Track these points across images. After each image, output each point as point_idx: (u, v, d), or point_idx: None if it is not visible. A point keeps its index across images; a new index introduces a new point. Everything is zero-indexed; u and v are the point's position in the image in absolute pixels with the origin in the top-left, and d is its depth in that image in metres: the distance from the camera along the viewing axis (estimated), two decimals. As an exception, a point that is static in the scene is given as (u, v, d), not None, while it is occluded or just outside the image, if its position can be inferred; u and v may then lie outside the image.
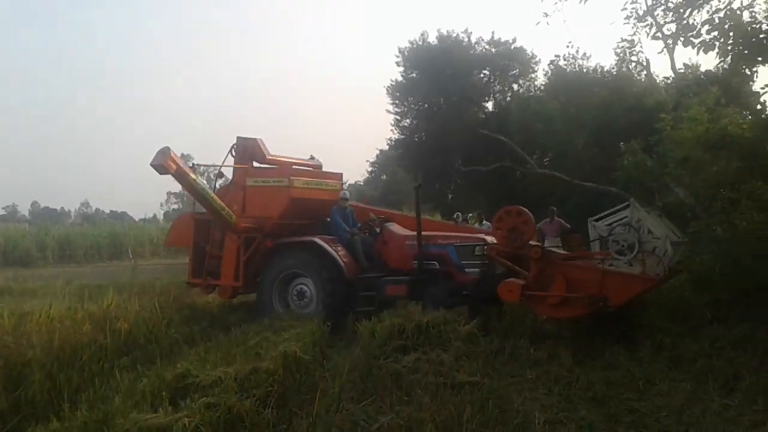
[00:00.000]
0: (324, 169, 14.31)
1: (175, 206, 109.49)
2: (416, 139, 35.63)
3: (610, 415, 6.16)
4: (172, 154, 10.36)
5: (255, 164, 13.10)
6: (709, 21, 10.46)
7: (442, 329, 8.21)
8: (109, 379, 6.56)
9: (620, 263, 9.55)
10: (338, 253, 11.44)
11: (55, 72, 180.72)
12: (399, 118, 37.31)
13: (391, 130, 38.13)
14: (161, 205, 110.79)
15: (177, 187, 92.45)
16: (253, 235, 12.10)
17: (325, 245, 11.44)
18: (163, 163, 10.19)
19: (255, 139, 13.05)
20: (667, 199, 18.78)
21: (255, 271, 12.20)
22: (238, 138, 12.96)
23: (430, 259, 10.88)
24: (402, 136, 37.06)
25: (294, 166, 13.51)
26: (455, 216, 21.16)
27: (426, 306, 9.30)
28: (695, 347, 8.32)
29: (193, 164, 11.81)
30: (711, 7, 10.73)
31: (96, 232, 49.73)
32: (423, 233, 11.01)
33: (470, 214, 24.99)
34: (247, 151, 12.88)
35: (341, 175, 14.07)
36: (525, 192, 29.05)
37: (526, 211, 9.88)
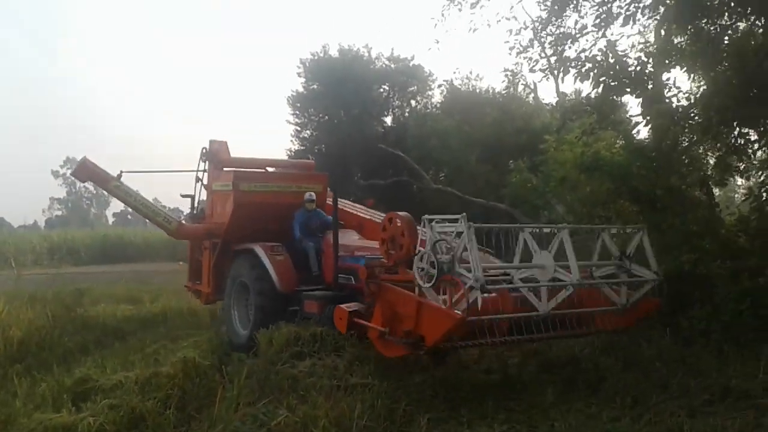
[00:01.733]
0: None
1: (59, 212, 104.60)
2: (316, 151, 35.93)
3: (487, 414, 6.79)
4: (88, 163, 11.17)
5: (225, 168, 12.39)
6: (583, 53, 11.60)
7: (337, 336, 8.46)
8: (6, 385, 6.57)
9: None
10: (275, 263, 10.37)
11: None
12: (299, 128, 37.51)
13: (291, 140, 38.30)
14: (43, 211, 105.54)
15: (60, 193, 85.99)
16: (215, 242, 11.70)
17: (262, 253, 10.46)
18: (82, 169, 11.19)
19: (221, 141, 12.80)
20: (550, 215, 20.20)
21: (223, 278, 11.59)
22: (210, 141, 12.71)
23: (345, 272, 9.36)
24: (302, 147, 37.24)
25: (261, 169, 12.91)
26: None
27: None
28: (567, 353, 9.18)
29: (120, 172, 12.06)
30: (580, 44, 11.90)
31: (-29, 239, 46.87)
32: (352, 243, 10.12)
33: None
34: (214, 154, 12.58)
35: (325, 176, 12.82)
36: (422, 206, 30.10)
37: (404, 216, 7.90)
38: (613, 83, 11.21)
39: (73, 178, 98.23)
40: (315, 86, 35.88)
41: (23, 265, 40.10)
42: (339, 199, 11.20)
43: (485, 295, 6.76)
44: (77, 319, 11.17)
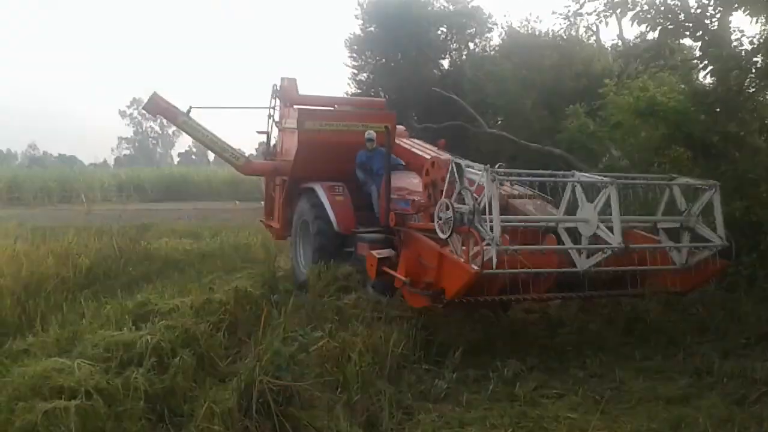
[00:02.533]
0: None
1: (127, 152, 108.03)
2: (373, 93, 35.92)
3: (521, 348, 7.04)
4: (158, 98, 11.84)
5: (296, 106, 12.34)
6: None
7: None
8: (75, 307, 7.18)
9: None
10: (334, 203, 10.05)
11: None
12: (356, 72, 37.47)
13: (348, 84, 38.30)
14: (112, 150, 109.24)
15: (128, 132, 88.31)
16: (284, 179, 11.64)
17: (322, 193, 10.17)
18: (152, 105, 11.83)
19: (291, 79, 12.68)
20: (607, 161, 19.90)
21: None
22: (281, 78, 12.63)
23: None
24: (359, 91, 37.26)
25: (329, 107, 12.55)
26: None
27: None
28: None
29: (190, 107, 12.18)
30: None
31: (45, 175, 49.24)
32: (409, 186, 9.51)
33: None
34: (284, 91, 12.51)
35: (393, 115, 11.67)
36: (477, 150, 29.97)
37: (444, 160, 7.64)
38: (671, 26, 10.91)
39: (140, 117, 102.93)
40: (372, 29, 35.62)
41: (93, 201, 42.24)
42: (412, 140, 11.56)
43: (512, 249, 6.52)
44: (141, 251, 11.83)
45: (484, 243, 6.24)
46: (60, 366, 4.52)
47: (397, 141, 11.01)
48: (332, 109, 12.62)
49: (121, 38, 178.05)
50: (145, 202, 47.44)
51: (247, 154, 14.83)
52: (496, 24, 34.92)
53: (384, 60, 36.14)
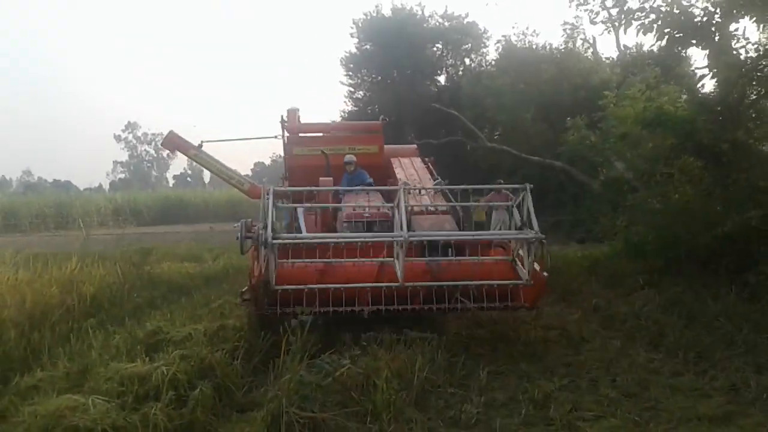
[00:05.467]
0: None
1: (122, 175, 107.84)
2: (369, 112, 35.89)
3: (546, 368, 6.80)
4: (174, 135, 13.86)
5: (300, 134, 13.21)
6: (647, 3, 11.16)
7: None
8: (82, 337, 6.90)
9: None
10: (308, 221, 10.33)
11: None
12: (352, 89, 37.51)
13: (345, 101, 38.36)
14: (107, 174, 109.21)
15: (123, 156, 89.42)
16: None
17: (300, 213, 10.33)
18: (169, 141, 13.87)
19: (293, 109, 13.46)
20: (609, 173, 19.76)
21: None
22: (287, 110, 13.37)
23: None
24: (355, 108, 37.27)
25: (325, 133, 13.76)
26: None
27: None
28: (627, 309, 9.11)
29: (201, 142, 13.92)
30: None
31: (41, 201, 49.00)
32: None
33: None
34: (288, 121, 13.19)
35: (378, 137, 12.93)
36: (475, 165, 29.85)
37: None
38: (678, 35, 10.80)
39: (135, 141, 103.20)
40: (368, 47, 35.71)
41: (90, 226, 41.96)
42: (411, 158, 12.39)
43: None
44: (144, 276, 11.60)
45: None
46: (73, 403, 4.25)
47: (393, 160, 12.17)
48: (320, 135, 13.58)
49: (112, 63, 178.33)
50: (142, 225, 47.18)
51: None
52: (491, 38, 35.09)
53: (380, 77, 36.19)
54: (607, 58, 28.43)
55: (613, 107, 18.40)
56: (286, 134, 13.04)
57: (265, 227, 7.02)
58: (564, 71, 26.96)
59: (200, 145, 13.86)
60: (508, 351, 7.44)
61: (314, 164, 11.58)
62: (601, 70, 26.42)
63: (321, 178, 10.82)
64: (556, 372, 6.62)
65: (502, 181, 19.34)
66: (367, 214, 9.01)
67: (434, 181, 11.16)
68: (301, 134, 13.10)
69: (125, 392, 4.79)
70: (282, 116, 13.13)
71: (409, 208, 8.55)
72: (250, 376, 6.33)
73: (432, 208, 9.33)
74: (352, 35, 35.98)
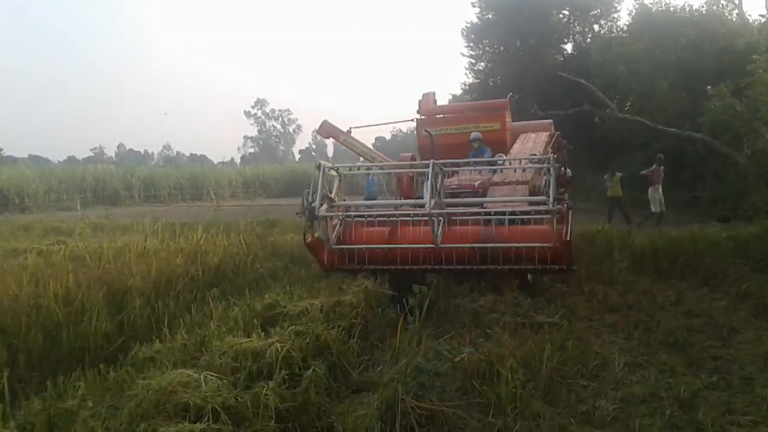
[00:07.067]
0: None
1: (252, 150, 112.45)
2: (491, 83, 34.95)
3: (692, 361, 6.07)
4: (327, 123, 16.81)
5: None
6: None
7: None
8: (203, 307, 6.95)
9: None
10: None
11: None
12: (474, 61, 36.64)
13: (466, 73, 37.55)
14: (238, 148, 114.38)
15: (252, 132, 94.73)
16: None
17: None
18: (323, 128, 16.94)
19: (428, 93, 15.28)
20: (755, 145, 17.97)
21: None
22: (423, 94, 15.21)
23: None
24: (477, 80, 36.44)
25: (443, 114, 15.21)
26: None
27: None
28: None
29: (350, 128, 16.81)
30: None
31: (178, 173, 51.98)
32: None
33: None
34: (423, 104, 15.04)
35: (501, 114, 14.02)
36: (603, 138, 28.31)
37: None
38: None
39: (263, 117, 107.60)
40: (490, 16, 34.66)
41: (222, 198, 44.06)
42: (527, 134, 13.28)
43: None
44: (268, 246, 11.70)
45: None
46: (186, 379, 4.15)
47: (522, 136, 13.11)
48: (448, 116, 15.11)
49: (244, 43, 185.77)
50: (270, 197, 48.87)
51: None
52: (623, 3, 33.02)
53: (502, 48, 35.10)
54: (755, 20, 25.84)
55: (763, 72, 16.64)
56: (420, 116, 14.59)
57: (314, 200, 7.98)
58: (705, 35, 24.81)
59: (349, 131, 16.61)
60: (646, 340, 6.75)
61: (446, 143, 12.91)
62: (747, 32, 24.00)
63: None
64: (702, 366, 5.90)
65: (661, 156, 17.89)
66: (454, 186, 10.02)
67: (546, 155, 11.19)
68: (431, 116, 14.61)
69: (239, 368, 4.66)
70: (419, 100, 14.91)
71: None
72: (366, 354, 6.12)
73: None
74: (473, 4, 35.01)
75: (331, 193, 8.46)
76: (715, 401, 5.01)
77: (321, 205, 8.03)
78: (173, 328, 6.12)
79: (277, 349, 4.86)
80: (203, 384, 4.14)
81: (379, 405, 4.11)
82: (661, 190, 17.31)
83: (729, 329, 7.08)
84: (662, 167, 17.55)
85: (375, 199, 16.57)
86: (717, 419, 4.64)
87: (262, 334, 5.47)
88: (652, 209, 17.26)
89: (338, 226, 8.54)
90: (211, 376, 4.30)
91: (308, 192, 8.08)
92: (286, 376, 4.66)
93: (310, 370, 4.75)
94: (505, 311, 7.20)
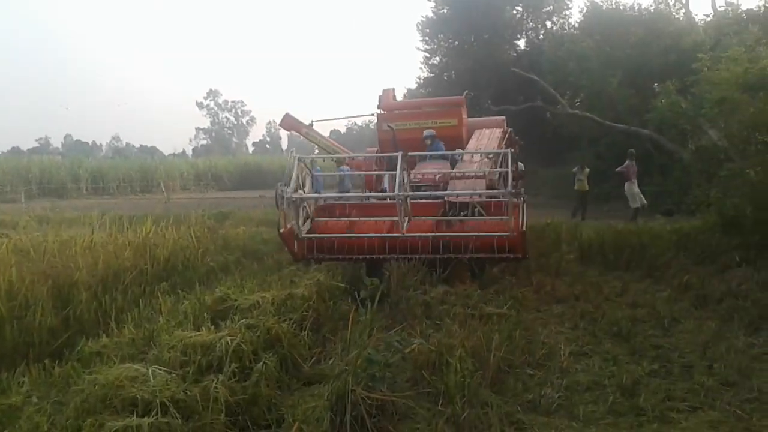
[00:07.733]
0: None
1: (204, 142, 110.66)
2: (446, 78, 35.12)
3: (635, 350, 6.27)
4: (289, 117, 16.99)
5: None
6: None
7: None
8: (152, 301, 6.86)
9: None
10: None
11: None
12: (429, 55, 36.74)
13: (421, 68, 37.66)
14: (190, 140, 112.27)
15: (205, 123, 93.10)
16: None
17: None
18: (285, 122, 17.07)
19: (388, 89, 15.61)
20: (699, 142, 18.50)
21: None
22: (383, 90, 15.51)
23: None
24: (432, 74, 36.55)
25: (415, 110, 15.43)
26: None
27: None
28: (722, 288, 8.39)
29: (312, 121, 17.19)
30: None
31: (128, 165, 50.86)
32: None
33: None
34: (382, 100, 15.29)
35: (457, 111, 14.31)
36: (554, 133, 28.78)
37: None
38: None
39: (216, 108, 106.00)
40: (445, 11, 34.78)
41: (173, 190, 43.27)
42: (482, 130, 13.47)
43: None
44: (219, 240, 11.60)
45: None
46: (134, 373, 4.10)
47: (477, 132, 13.33)
48: (406, 111, 15.36)
49: (196, 33, 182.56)
50: (223, 190, 48.25)
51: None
52: (574, 0, 33.54)
53: (457, 43, 35.27)
54: (701, 20, 26.60)
55: (708, 71, 17.14)
56: (380, 111, 14.94)
57: (286, 186, 8.30)
58: (653, 33, 25.39)
59: (311, 124, 16.96)
60: (592, 330, 6.96)
61: (404, 138, 12.89)
62: (693, 31, 24.68)
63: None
64: (645, 355, 6.11)
65: (633, 152, 18.19)
66: (416, 179, 10.26)
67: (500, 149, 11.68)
68: (391, 111, 14.83)
69: (188, 362, 4.63)
70: (379, 96, 15.18)
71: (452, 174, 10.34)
72: (318, 347, 6.14)
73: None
74: (428, -1, 35.09)
75: (303, 186, 8.83)
76: (655, 388, 5.19)
77: (295, 192, 8.41)
78: (121, 323, 6.04)
79: (227, 343, 4.84)
80: (151, 378, 4.10)
81: (330, 396, 4.14)
82: (636, 184, 17.58)
83: (671, 319, 7.34)
84: (635, 162, 17.85)
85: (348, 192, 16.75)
86: (657, 405, 4.81)
87: (212, 327, 5.44)
88: (631, 205, 17.49)
89: (308, 219, 8.92)
90: (160, 370, 4.27)
91: (282, 183, 8.44)
92: (237, 370, 4.65)
93: (261, 363, 4.75)
94: (456, 302, 7.28)
